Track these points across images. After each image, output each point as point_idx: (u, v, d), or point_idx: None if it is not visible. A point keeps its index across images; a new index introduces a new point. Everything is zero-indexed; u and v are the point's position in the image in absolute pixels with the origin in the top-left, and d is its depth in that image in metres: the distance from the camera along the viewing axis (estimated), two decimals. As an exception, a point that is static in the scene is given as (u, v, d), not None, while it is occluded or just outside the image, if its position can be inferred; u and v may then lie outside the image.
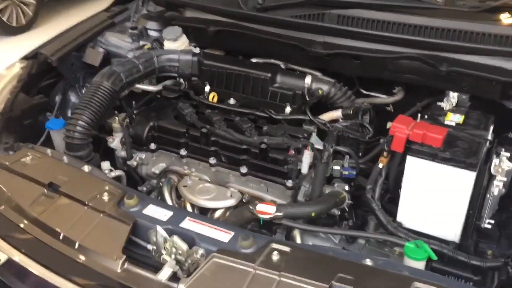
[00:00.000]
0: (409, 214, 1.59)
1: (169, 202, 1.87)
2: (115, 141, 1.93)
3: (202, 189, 1.80)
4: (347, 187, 1.72)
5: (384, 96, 2.07)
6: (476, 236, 1.63)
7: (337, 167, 1.70)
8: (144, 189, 1.99)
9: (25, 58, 2.12)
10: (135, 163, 1.90)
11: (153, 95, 2.04)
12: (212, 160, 1.80)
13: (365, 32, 1.86)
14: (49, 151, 1.65)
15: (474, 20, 1.78)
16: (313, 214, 1.54)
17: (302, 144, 1.65)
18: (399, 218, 1.61)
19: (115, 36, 2.31)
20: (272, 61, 2.12)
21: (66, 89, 2.21)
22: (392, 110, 2.09)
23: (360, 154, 1.82)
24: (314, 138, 1.75)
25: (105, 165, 1.73)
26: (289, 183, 1.68)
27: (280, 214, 1.38)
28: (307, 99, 1.83)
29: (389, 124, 2.01)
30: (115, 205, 1.37)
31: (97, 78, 1.79)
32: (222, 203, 1.76)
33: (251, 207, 1.41)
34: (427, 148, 1.49)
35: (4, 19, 6.16)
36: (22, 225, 1.37)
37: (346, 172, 1.70)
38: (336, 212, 1.70)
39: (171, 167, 1.93)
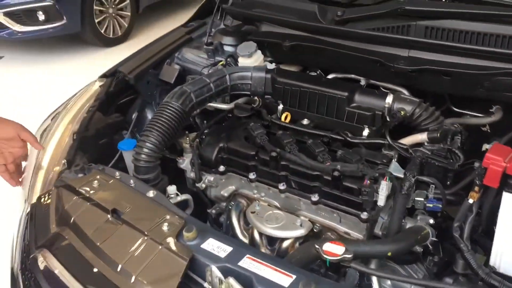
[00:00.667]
0: (505, 257, 1.37)
1: (237, 228, 1.79)
2: (185, 162, 1.89)
3: (270, 216, 1.69)
4: (431, 221, 1.53)
5: (479, 115, 1.84)
6: None
7: (420, 199, 1.52)
8: (213, 211, 1.94)
9: (104, 76, 2.15)
10: (203, 186, 1.84)
11: (225, 114, 1.98)
12: (282, 186, 1.69)
13: (457, 46, 1.65)
14: (118, 173, 1.63)
15: None
16: (389, 254, 1.37)
17: (379, 173, 1.48)
18: (492, 261, 1.39)
19: (191, 52, 2.29)
20: (352, 76, 1.98)
21: (142, 106, 2.21)
22: (488, 131, 1.85)
23: (449, 182, 1.62)
24: (394, 166, 1.57)
25: (171, 189, 1.69)
26: (364, 215, 1.52)
27: (349, 256, 1.23)
28: (388, 120, 1.66)
29: (484, 147, 1.79)
30: (174, 237, 1.31)
31: (167, 98, 1.76)
32: (291, 233, 1.64)
33: (317, 246, 1.27)
34: (528, 184, 1.27)
35: (102, 31, 6.53)
36: (83, 253, 1.36)
37: (430, 205, 1.51)
38: (418, 249, 1.52)
39: (240, 191, 1.85)
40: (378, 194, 1.47)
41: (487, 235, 1.48)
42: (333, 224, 1.64)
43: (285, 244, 1.66)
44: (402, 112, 1.64)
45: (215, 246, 1.28)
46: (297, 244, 1.67)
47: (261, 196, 1.79)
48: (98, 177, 1.58)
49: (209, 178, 1.84)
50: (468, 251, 1.40)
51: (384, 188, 1.45)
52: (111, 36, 6.77)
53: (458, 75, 1.65)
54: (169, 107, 1.71)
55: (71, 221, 1.47)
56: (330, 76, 2.02)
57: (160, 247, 1.29)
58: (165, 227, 1.35)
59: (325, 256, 1.24)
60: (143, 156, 1.65)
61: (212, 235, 1.32)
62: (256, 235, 1.72)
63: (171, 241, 1.30)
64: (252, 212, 1.72)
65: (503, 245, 1.36)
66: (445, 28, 1.69)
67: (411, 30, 1.74)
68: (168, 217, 1.38)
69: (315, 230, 1.66)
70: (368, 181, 1.47)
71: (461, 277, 1.53)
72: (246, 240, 1.77)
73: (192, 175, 1.87)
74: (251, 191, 1.82)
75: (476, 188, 1.36)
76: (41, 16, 5.87)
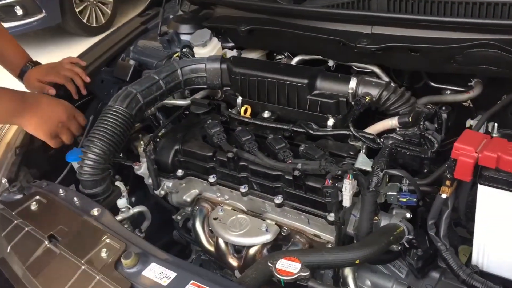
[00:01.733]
0: (487, 256, 1.23)
1: (202, 236, 1.66)
2: (142, 168, 1.75)
3: (234, 222, 1.56)
4: (408, 215, 1.39)
5: (459, 89, 1.67)
6: None
7: (393, 193, 1.37)
8: (179, 217, 1.80)
9: (52, 79, 1.99)
10: (162, 192, 1.70)
11: (182, 111, 1.82)
12: (243, 188, 1.54)
13: (423, 19, 1.47)
14: (61, 190, 1.49)
15: None
16: (357, 262, 1.23)
17: (342, 170, 1.33)
18: (474, 260, 1.26)
19: (146, 44, 2.12)
20: (319, 57, 1.80)
21: (99, 108, 2.05)
22: (471, 105, 1.69)
23: (426, 170, 1.46)
24: (362, 158, 1.41)
25: (121, 203, 1.55)
26: (331, 217, 1.37)
27: (305, 274, 1.09)
28: (353, 107, 1.50)
29: (468, 122, 1.63)
30: (112, 265, 1.17)
31: (111, 102, 1.60)
32: (257, 239, 1.50)
33: (270, 263, 1.13)
34: (505, 175, 1.11)
35: (84, 20, 6.32)
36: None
37: (404, 199, 1.36)
38: (395, 248, 1.38)
39: (203, 194, 1.72)
40: (342, 193, 1.32)
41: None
42: (301, 226, 1.50)
43: (252, 251, 1.53)
44: (367, 98, 1.47)
45: (157, 273, 1.15)
46: (264, 250, 1.54)
47: (225, 199, 1.65)
48: (37, 197, 1.44)
49: (167, 184, 1.69)
50: (447, 250, 1.26)
51: (347, 187, 1.29)
52: (94, 24, 6.56)
53: (426, 51, 1.48)
54: (112, 112, 1.56)
55: (7, 250, 1.33)
56: (296, 59, 1.85)
57: (97, 277, 1.16)
58: (103, 254, 1.21)
59: (279, 276, 1.10)
60: (86, 169, 1.50)
61: (155, 259, 1.18)
62: (222, 243, 1.59)
63: (109, 269, 1.16)
64: (215, 219, 1.58)
65: (484, 242, 1.22)
66: (408, -1, 1.51)
67: (373, 4, 1.56)
68: (108, 240, 1.24)
69: (283, 234, 1.52)
70: (330, 181, 1.32)
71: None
72: (212, 248, 1.64)
73: (150, 181, 1.73)
74: (214, 194, 1.68)
75: (448, 182, 1.21)
76: (19, 11, 5.70)
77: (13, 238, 1.35)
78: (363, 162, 1.40)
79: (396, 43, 1.49)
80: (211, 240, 1.64)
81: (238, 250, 1.58)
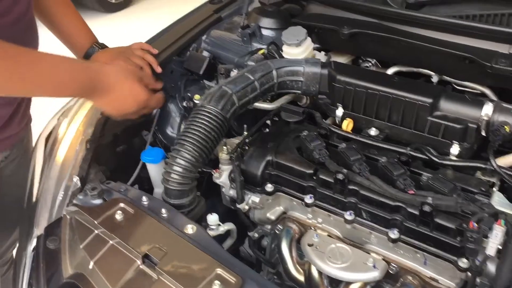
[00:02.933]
0: None
1: (289, 262, 1.46)
2: (222, 177, 1.55)
3: (333, 251, 1.36)
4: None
5: None
6: None
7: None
8: (256, 235, 1.61)
9: (121, 64, 1.77)
10: (247, 207, 1.51)
11: (270, 117, 1.62)
12: (349, 216, 1.35)
13: None
14: (145, 199, 1.29)
15: None
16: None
17: (488, 213, 1.15)
18: None
19: (221, 36, 1.92)
20: (421, 71, 1.62)
21: (165, 101, 1.85)
22: None
23: None
24: (498, 197, 1.24)
25: (212, 219, 1.36)
26: (463, 262, 1.19)
27: None
28: (489, 138, 1.31)
29: None
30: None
31: (203, 101, 1.40)
32: (362, 276, 1.32)
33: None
34: None
35: (103, -4, 6.09)
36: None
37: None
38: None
39: (290, 213, 1.52)
40: (486, 240, 1.14)
41: None
42: (416, 266, 1.31)
43: (354, 287, 1.34)
44: (507, 128, 1.29)
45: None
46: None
47: (318, 222, 1.47)
48: (121, 205, 1.24)
49: (253, 198, 1.50)
50: None
51: (498, 234, 1.11)
52: (113, 1, 6.31)
53: None
54: (207, 113, 1.36)
55: (90, 266, 1.13)
56: (392, 69, 1.67)
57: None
58: (216, 287, 1.01)
59: None
60: (175, 176, 1.31)
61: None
62: (315, 273, 1.40)
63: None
64: (310, 245, 1.39)
65: None
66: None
67: (515, 21, 1.38)
68: (219, 271, 1.05)
69: (390, 272, 1.34)
70: (475, 224, 1.13)
71: None
72: (300, 277, 1.45)
73: (231, 193, 1.54)
74: (304, 214, 1.49)
75: None
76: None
77: (96, 252, 1.15)
78: (502, 203, 1.22)
79: (543, 68, 1.31)
80: (299, 268, 1.45)
81: (334, 284, 1.39)
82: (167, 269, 1.07)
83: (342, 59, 1.79)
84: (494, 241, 1.12)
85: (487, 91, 1.53)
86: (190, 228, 1.20)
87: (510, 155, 1.36)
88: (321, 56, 1.77)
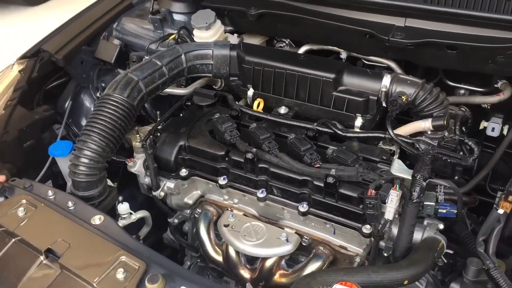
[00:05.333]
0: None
1: (207, 244, 1.47)
2: (136, 165, 1.53)
3: (248, 229, 1.39)
4: (441, 226, 1.28)
5: (476, 89, 1.59)
6: None
7: (431, 203, 1.25)
8: (176, 221, 1.61)
9: (24, 57, 1.70)
10: (162, 194, 1.50)
11: (183, 102, 1.61)
12: (261, 193, 1.37)
13: (463, 13, 1.36)
14: (51, 192, 1.26)
15: None
16: (405, 282, 1.11)
17: (385, 180, 1.20)
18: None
19: (133, 23, 1.88)
20: (330, 48, 1.66)
21: (77, 92, 1.80)
22: (488, 107, 1.60)
23: (457, 178, 1.37)
24: (397, 165, 1.29)
25: (123, 208, 1.34)
26: (367, 229, 1.24)
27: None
28: (387, 108, 1.37)
29: (482, 124, 1.55)
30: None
31: (108, 89, 1.37)
32: (276, 250, 1.35)
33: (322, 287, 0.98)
34: None
35: (23, -12, 5.78)
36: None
37: (443, 210, 1.25)
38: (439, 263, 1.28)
39: (207, 196, 1.53)
40: (385, 205, 1.19)
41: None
42: (326, 236, 1.36)
43: (269, 262, 1.37)
44: (404, 97, 1.35)
45: (189, 298, 0.97)
46: (282, 262, 1.38)
47: (234, 203, 1.48)
48: (24, 201, 1.20)
49: (168, 184, 1.49)
50: (496, 269, 1.16)
51: (394, 199, 1.17)
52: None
53: (466, 49, 1.37)
54: (112, 102, 1.34)
55: (-8, 267, 1.10)
56: (304, 48, 1.69)
57: (116, 306, 0.96)
58: (120, 275, 1.01)
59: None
60: (82, 168, 1.28)
61: (183, 282, 1.00)
62: (233, 253, 1.42)
63: (131, 296, 0.97)
64: (226, 225, 1.41)
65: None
66: (449, -9, 1.39)
67: (408, -6, 1.43)
68: (123, 258, 1.04)
69: (304, 244, 1.37)
70: (373, 191, 1.18)
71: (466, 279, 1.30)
72: (219, 258, 1.47)
73: (146, 180, 1.53)
74: (221, 196, 1.50)
75: (505, 197, 1.11)
76: None
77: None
78: (400, 169, 1.28)
79: (434, 39, 1.37)
80: (218, 249, 1.46)
81: (252, 261, 1.41)
82: (70, 262, 1.05)
83: (255, 41, 1.80)
84: (391, 206, 1.18)
85: (392, 64, 1.58)
86: (97, 219, 1.18)
87: (410, 124, 1.42)
88: (234, 39, 1.76)
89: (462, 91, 1.61)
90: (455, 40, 1.37)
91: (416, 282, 1.44)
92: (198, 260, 1.66)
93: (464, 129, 1.51)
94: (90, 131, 1.29)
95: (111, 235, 1.13)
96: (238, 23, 1.76)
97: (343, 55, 1.66)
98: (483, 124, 1.60)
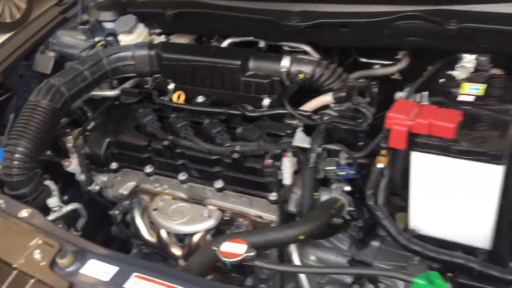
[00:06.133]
0: (424, 219, 1.27)
1: (142, 228, 1.60)
2: (72, 165, 1.66)
3: (175, 211, 1.51)
4: (347, 188, 1.40)
5: (387, 62, 1.71)
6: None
7: (331, 167, 1.38)
8: (116, 212, 1.73)
9: (-33, 75, 1.83)
10: (97, 188, 1.62)
11: (111, 102, 1.74)
12: (182, 176, 1.50)
13: (350, -7, 1.49)
14: (-15, 195, 1.38)
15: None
16: (301, 237, 1.24)
17: (280, 148, 1.32)
18: (412, 225, 1.29)
19: (67, 35, 2.00)
20: (250, 39, 1.78)
21: (19, 105, 1.92)
22: (399, 78, 1.72)
23: (361, 144, 1.49)
24: (299, 136, 1.42)
25: (52, 201, 1.46)
26: (272, 196, 1.37)
27: (252, 254, 1.08)
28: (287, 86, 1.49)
29: (397, 95, 1.67)
30: (48, 265, 1.10)
31: (32, 96, 1.50)
32: (200, 226, 1.47)
33: (214, 247, 1.11)
34: (437, 140, 1.14)
35: (-3, 17, 5.91)
36: None
37: (342, 173, 1.37)
38: (337, 221, 1.40)
39: (141, 186, 1.65)
40: (282, 172, 1.32)
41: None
42: (243, 208, 1.48)
43: (196, 238, 1.50)
44: (301, 75, 1.47)
45: (97, 269, 1.09)
46: (208, 236, 1.51)
47: (164, 189, 1.61)
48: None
49: (102, 178, 1.62)
50: (386, 218, 1.28)
51: (287, 165, 1.29)
52: (8, 20, 6.14)
53: (356, 25, 1.50)
54: (35, 107, 1.46)
55: None
56: (226, 42, 1.82)
57: (32, 280, 1.08)
58: (37, 255, 1.13)
59: (224, 258, 1.08)
60: (13, 170, 1.40)
61: (93, 256, 1.12)
62: (164, 234, 1.54)
63: (44, 272, 1.09)
64: (155, 209, 1.53)
65: (419, 206, 1.25)
66: (335, -26, 1.51)
67: (300, -19, 1.56)
68: (40, 241, 1.16)
69: (226, 218, 1.50)
70: (270, 160, 1.30)
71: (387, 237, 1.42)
72: (153, 240, 1.59)
73: (82, 177, 1.65)
74: (152, 185, 1.63)
75: (383, 152, 1.23)
76: None
77: None
78: (301, 139, 1.40)
79: (326, 19, 1.50)
80: (152, 232, 1.59)
81: (181, 239, 1.54)
82: (-7, 249, 1.17)
83: (183, 40, 1.92)
84: (286, 172, 1.30)
85: (308, 48, 1.70)
86: (25, 212, 1.30)
87: (314, 99, 1.55)
88: (162, 40, 1.89)
89: (376, 66, 1.74)
90: (346, 19, 1.50)
91: (338, 243, 1.58)
92: (143, 247, 1.78)
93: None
94: (17, 135, 1.41)
95: (36, 225, 1.25)
96: (162, 25, 1.88)
97: (262, 44, 1.78)
98: (398, 94, 1.72)
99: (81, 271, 1.09)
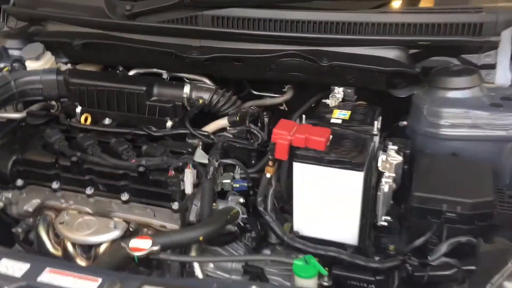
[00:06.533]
0: (304, 221, 1.50)
1: (47, 242, 1.66)
2: (-26, 183, 1.69)
3: (81, 223, 1.61)
4: (241, 200, 1.60)
5: (275, 95, 1.98)
6: (378, 231, 1.56)
7: (227, 181, 1.58)
8: (19, 230, 1.76)
9: None
10: (1, 204, 1.67)
11: (17, 123, 1.81)
12: (89, 190, 1.61)
13: (241, 32, 1.75)
14: None
15: (352, 11, 1.72)
16: (201, 238, 1.40)
17: (182, 162, 1.50)
18: (295, 227, 1.52)
19: (-30, 60, 2.04)
20: (154, 70, 1.96)
21: None
22: (286, 108, 2.00)
23: (254, 161, 1.71)
24: (199, 153, 1.61)
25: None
26: (175, 205, 1.53)
27: (156, 248, 1.23)
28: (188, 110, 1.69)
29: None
30: (-42, 268, 1.15)
31: None
32: (105, 236, 1.58)
33: (123, 244, 1.24)
34: (312, 152, 1.40)
35: None
36: None
37: (237, 185, 1.58)
38: (233, 228, 1.58)
39: (46, 203, 1.72)
40: (184, 182, 1.49)
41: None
42: (147, 219, 1.61)
43: (102, 249, 1.59)
44: (201, 100, 1.69)
45: (9, 266, 1.16)
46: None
47: (70, 204, 1.69)
48: None
49: (6, 195, 1.67)
50: (273, 221, 1.49)
51: (188, 175, 1.47)
52: None
53: (247, 60, 1.75)
54: None
55: None
56: (131, 72, 1.98)
57: None
58: None
59: (132, 252, 1.21)
60: None
61: (5, 256, 1.19)
62: (69, 246, 1.62)
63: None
64: (61, 223, 1.62)
65: (301, 211, 1.48)
66: (229, 16, 1.76)
67: (199, 20, 1.79)
68: None
69: (131, 229, 1.62)
70: (173, 172, 1.48)
71: (277, 246, 1.63)
72: (59, 253, 1.65)
73: (-14, 196, 1.68)
74: (57, 201, 1.70)
75: (270, 163, 1.46)
76: None
77: None
78: (200, 155, 1.60)
79: (222, 54, 1.73)
80: (57, 246, 1.65)
81: (87, 250, 1.62)
82: None
83: (91, 69, 2.05)
84: (187, 181, 1.48)
85: (206, 80, 1.92)
86: None
87: (213, 122, 1.76)
88: (66, 68, 2.00)
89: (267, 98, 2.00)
90: (239, 54, 1.75)
91: (234, 252, 1.76)
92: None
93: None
94: None
95: None
96: (69, 54, 2.00)
97: (165, 75, 1.97)
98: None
99: (-7, 269, 1.16)
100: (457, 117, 1.54)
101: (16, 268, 1.16)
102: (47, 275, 1.14)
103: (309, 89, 1.88)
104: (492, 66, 1.66)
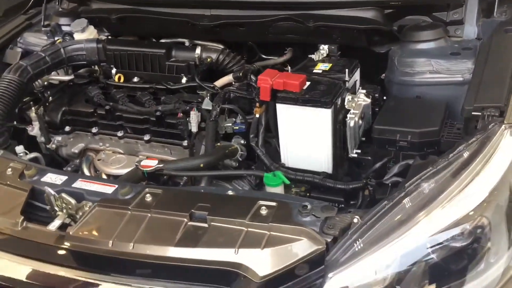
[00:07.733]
0: (289, 154, 1.80)
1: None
2: (34, 129, 2.13)
3: (114, 160, 2.01)
4: (242, 141, 1.93)
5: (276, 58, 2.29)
6: (352, 163, 1.83)
7: (229, 124, 1.91)
8: (69, 169, 2.20)
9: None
10: (54, 146, 2.10)
11: (67, 83, 2.24)
12: (120, 133, 2.00)
13: (243, 1, 2.06)
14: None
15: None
16: (201, 165, 1.75)
17: (189, 106, 1.86)
18: (282, 159, 1.82)
19: (32, 36, 2.50)
20: (179, 40, 2.33)
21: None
22: (289, 68, 2.29)
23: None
24: (206, 101, 1.95)
25: (19, 148, 1.92)
26: (185, 143, 1.89)
27: (161, 165, 1.59)
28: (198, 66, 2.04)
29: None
30: (16, 176, 1.57)
31: (5, 73, 1.98)
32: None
33: (136, 163, 1.62)
34: (291, 94, 1.70)
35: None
36: None
37: (236, 127, 1.91)
38: (233, 163, 1.91)
39: (89, 146, 2.14)
40: (190, 123, 1.85)
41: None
42: (165, 156, 1.99)
43: (128, 179, 1.98)
44: (209, 59, 2.04)
45: (53, 178, 1.56)
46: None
47: (106, 146, 2.10)
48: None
49: (57, 138, 2.10)
50: (263, 154, 1.81)
51: (193, 117, 1.83)
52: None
53: (249, 25, 2.07)
54: (8, 80, 1.94)
55: None
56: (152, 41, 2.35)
57: (4, 186, 1.54)
58: (9, 172, 1.59)
59: (142, 169, 1.59)
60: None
61: (51, 171, 1.60)
62: (104, 178, 2.02)
63: (14, 180, 1.55)
64: (99, 160, 2.02)
65: (286, 144, 1.79)
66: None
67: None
68: (11, 164, 1.63)
69: (152, 165, 2.00)
70: (181, 114, 1.84)
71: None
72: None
73: (42, 139, 2.12)
74: (97, 144, 2.11)
75: (257, 104, 1.78)
76: None
77: None
78: (207, 103, 1.94)
79: (228, 20, 2.06)
80: (98, 178, 2.07)
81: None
82: None
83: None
84: (193, 121, 1.83)
85: (222, 46, 2.25)
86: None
87: (224, 77, 2.09)
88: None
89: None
90: (242, 20, 2.07)
91: (239, 187, 2.09)
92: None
93: None
94: None
95: (9, 158, 1.71)
96: (108, 28, 2.41)
97: (187, 43, 2.33)
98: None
99: (42, 179, 1.56)
100: (421, 65, 1.79)
101: (58, 179, 1.55)
102: (79, 183, 1.53)
103: (306, 51, 2.17)
104: (460, 22, 1.88)
